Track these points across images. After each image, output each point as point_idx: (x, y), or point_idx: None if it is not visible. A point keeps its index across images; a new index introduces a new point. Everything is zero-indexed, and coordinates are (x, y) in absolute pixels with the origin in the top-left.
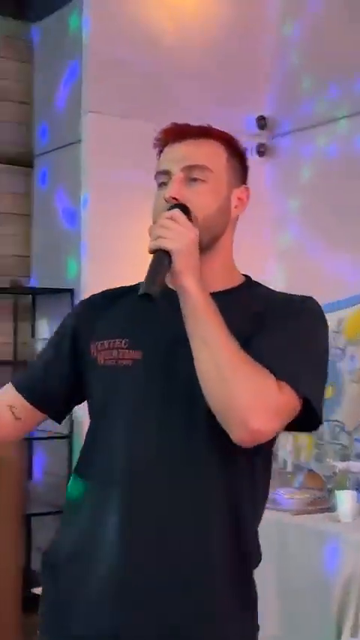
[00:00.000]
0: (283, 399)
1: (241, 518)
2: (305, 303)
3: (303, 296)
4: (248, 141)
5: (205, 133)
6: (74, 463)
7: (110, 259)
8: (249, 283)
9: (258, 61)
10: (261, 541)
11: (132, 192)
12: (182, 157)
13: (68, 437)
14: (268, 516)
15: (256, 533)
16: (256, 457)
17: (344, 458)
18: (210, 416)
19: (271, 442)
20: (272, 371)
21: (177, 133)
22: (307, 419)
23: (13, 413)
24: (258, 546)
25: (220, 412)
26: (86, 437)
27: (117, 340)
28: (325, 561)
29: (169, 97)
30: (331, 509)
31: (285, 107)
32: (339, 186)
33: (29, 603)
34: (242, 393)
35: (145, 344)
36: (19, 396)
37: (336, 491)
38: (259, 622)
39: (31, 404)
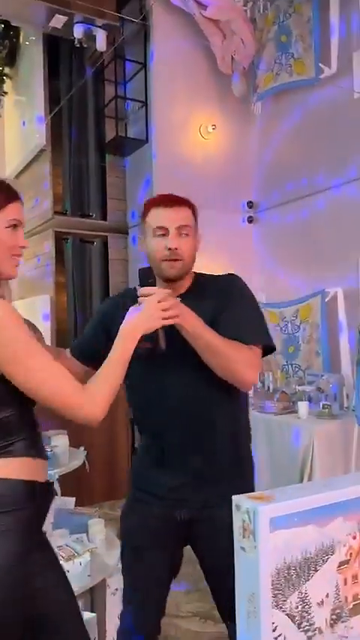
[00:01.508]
0: (256, 355)
1: (236, 422)
2: (234, 279)
3: (229, 274)
4: (243, 215)
5: (184, 202)
6: None
7: None
8: (197, 276)
9: (247, 171)
10: (256, 432)
11: None
12: (175, 219)
13: None
14: (261, 417)
15: (246, 425)
16: (236, 391)
17: (300, 384)
18: (197, 371)
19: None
20: (241, 341)
21: (169, 201)
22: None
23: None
24: (248, 434)
25: (227, 377)
26: (131, 395)
27: None
28: (292, 439)
29: (199, 192)
30: (295, 411)
31: (262, 196)
32: (292, 239)
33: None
34: (236, 364)
35: (150, 337)
36: (75, 360)
37: (298, 402)
38: (259, 481)
39: (83, 363)
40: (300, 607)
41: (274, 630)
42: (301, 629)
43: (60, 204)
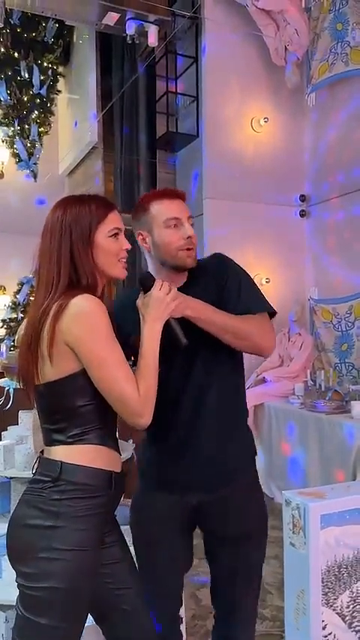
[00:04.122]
0: (267, 321)
1: (243, 404)
2: (222, 257)
3: (214, 255)
4: (296, 208)
5: (183, 195)
6: None
7: None
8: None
9: (300, 166)
10: (307, 430)
11: (229, 239)
12: (184, 210)
13: None
14: (312, 416)
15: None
16: (239, 365)
17: (355, 383)
18: (206, 357)
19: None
20: (250, 312)
21: (172, 193)
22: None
23: None
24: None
25: (247, 349)
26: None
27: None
28: (345, 437)
29: (250, 186)
30: (347, 411)
31: (315, 189)
32: (345, 233)
33: None
34: (254, 336)
35: (169, 336)
36: None
37: (351, 402)
38: (309, 479)
39: None
40: (351, 606)
41: (323, 628)
42: (352, 629)
43: (111, 200)
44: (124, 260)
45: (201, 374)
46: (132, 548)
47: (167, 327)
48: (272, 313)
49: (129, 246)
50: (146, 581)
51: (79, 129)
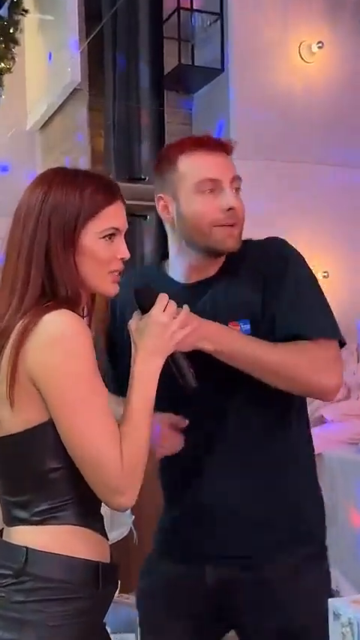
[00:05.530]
0: (327, 350)
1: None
2: (283, 247)
3: (272, 239)
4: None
5: (229, 146)
6: None
7: None
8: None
9: None
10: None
11: (267, 216)
12: (229, 168)
13: None
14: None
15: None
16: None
17: None
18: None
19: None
20: (306, 337)
21: (214, 143)
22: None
23: None
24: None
25: (297, 391)
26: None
27: None
28: None
29: (298, 140)
30: None
31: None
32: None
33: None
34: (301, 370)
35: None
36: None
37: None
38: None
39: None
40: None
41: None
42: None
43: (100, 163)
44: (117, 273)
45: (235, 424)
46: None
47: (171, 363)
48: (341, 342)
49: (127, 255)
50: None
51: (54, 63)
